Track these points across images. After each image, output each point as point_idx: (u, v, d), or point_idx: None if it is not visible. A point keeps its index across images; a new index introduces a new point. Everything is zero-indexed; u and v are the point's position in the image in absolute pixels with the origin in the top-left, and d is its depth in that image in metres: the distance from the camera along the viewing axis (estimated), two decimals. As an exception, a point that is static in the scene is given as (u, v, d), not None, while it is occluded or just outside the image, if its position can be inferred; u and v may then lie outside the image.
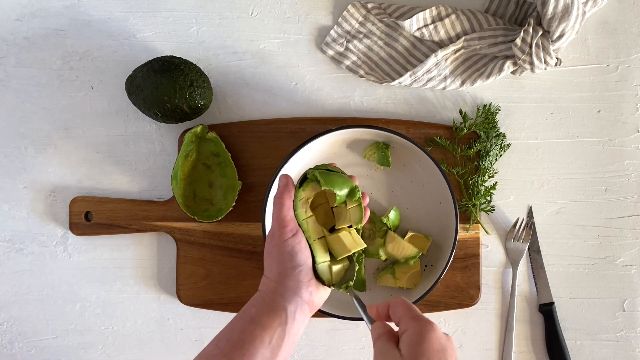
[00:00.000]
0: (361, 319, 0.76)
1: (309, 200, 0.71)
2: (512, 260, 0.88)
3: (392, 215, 0.84)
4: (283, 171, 0.81)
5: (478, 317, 0.88)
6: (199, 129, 0.85)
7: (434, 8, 0.87)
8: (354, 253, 0.71)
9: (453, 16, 0.87)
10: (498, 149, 0.87)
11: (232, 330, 0.63)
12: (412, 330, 0.57)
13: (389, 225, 0.84)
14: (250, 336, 0.61)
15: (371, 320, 0.63)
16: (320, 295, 0.68)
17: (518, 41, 0.82)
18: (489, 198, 0.87)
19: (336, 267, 0.70)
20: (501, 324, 0.88)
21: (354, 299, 0.68)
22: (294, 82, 0.90)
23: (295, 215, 0.69)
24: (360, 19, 0.89)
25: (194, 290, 0.87)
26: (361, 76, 0.89)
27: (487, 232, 0.87)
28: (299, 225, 0.69)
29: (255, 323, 0.62)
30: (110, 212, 0.88)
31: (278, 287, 0.64)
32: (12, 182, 0.90)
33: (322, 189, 0.70)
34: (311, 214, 0.71)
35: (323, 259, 0.69)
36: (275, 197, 0.69)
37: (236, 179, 0.86)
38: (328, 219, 0.74)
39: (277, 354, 0.63)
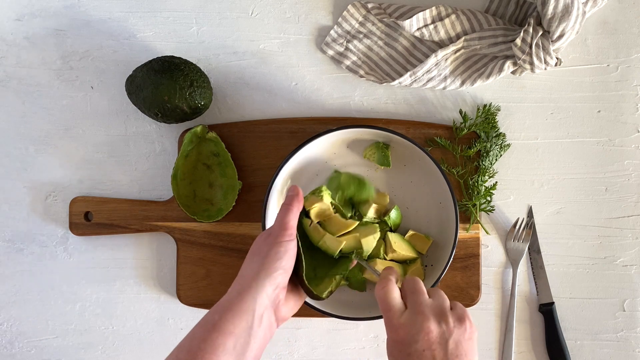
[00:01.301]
0: (361, 319, 0.80)
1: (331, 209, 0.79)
2: (512, 260, 0.88)
3: (393, 214, 0.83)
4: (283, 171, 0.81)
5: (478, 317, 0.88)
6: (199, 129, 0.85)
7: (434, 8, 0.87)
8: (353, 251, 0.78)
9: (453, 16, 0.87)
10: (498, 149, 0.87)
11: (192, 339, 0.61)
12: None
13: (389, 224, 0.84)
14: (212, 345, 0.60)
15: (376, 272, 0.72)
16: (289, 307, 0.68)
17: (518, 41, 0.82)
18: (489, 198, 0.87)
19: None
20: (501, 324, 0.88)
21: (359, 261, 0.77)
22: (294, 82, 0.90)
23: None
24: (360, 19, 0.89)
25: (194, 290, 0.87)
26: (361, 76, 0.89)
27: (487, 232, 0.87)
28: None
29: (218, 330, 0.61)
30: (110, 212, 0.88)
31: (252, 285, 0.63)
32: (12, 182, 0.90)
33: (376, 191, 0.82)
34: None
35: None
36: (284, 204, 0.70)
37: (236, 179, 0.86)
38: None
39: (243, 359, 0.61)
